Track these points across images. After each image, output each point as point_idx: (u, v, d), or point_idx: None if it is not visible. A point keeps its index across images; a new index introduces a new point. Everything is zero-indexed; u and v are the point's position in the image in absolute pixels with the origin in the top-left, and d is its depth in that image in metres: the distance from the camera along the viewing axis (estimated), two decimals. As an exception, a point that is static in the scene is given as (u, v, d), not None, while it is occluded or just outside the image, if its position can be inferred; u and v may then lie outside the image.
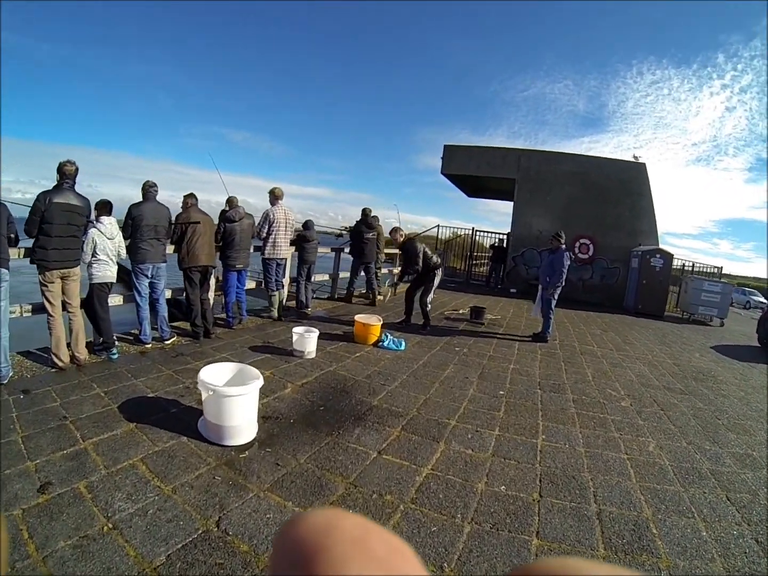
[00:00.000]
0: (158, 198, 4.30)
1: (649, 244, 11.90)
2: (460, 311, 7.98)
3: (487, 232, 14.50)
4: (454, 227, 14.99)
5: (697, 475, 2.76)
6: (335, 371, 3.97)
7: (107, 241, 3.65)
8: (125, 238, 3.96)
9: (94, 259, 3.61)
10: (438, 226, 14.85)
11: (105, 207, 3.75)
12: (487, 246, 14.48)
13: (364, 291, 8.49)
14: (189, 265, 4.49)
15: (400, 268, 5.78)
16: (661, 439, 3.28)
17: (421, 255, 5.58)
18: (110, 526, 1.79)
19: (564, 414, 3.53)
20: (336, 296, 7.93)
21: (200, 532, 1.82)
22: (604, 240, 12.22)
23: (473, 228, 14.47)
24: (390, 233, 5.79)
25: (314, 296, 7.74)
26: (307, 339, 4.11)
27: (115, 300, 4.47)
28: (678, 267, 12.81)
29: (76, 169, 3.39)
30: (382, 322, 5.14)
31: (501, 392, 3.88)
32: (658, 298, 11.09)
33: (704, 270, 13.38)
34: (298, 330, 4.17)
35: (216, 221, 4.97)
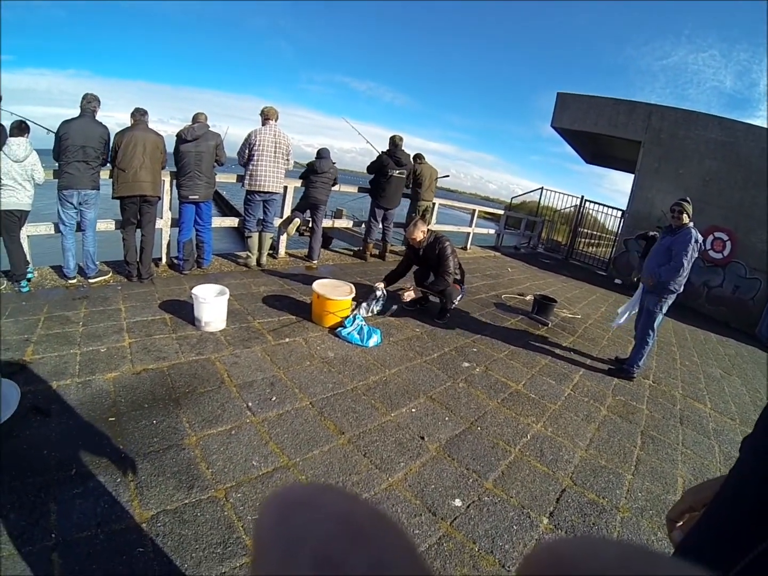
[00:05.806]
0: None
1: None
2: (527, 297, 5.96)
3: (600, 203, 11.83)
4: (560, 192, 12.49)
5: None
6: (202, 364, 2.72)
7: (13, 165, 3.42)
8: (55, 160, 3.66)
9: (2, 183, 3.39)
10: (542, 188, 12.61)
11: (17, 128, 3.49)
12: (601, 221, 12.24)
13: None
14: (119, 195, 3.84)
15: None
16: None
17: (453, 261, 4.04)
18: None
19: None
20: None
21: None
22: (747, 238, 8.83)
23: (582, 197, 11.92)
24: (408, 229, 4.22)
25: (330, 247, 6.71)
26: (203, 305, 3.17)
27: (105, 226, 4.21)
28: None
29: None
30: (353, 296, 3.70)
31: (456, 502, 1.90)
32: (811, 334, 7.88)
33: None
34: (197, 291, 3.23)
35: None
